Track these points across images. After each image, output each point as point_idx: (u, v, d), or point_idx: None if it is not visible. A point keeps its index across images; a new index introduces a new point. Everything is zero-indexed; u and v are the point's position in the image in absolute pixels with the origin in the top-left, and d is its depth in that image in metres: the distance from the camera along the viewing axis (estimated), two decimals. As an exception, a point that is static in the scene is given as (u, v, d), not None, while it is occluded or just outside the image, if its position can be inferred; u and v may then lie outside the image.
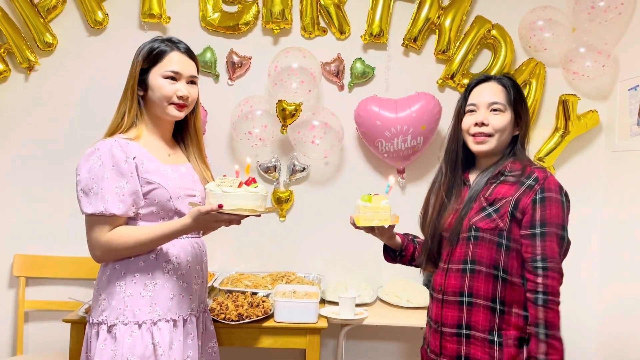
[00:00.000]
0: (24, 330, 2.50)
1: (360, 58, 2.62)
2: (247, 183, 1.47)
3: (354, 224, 1.62)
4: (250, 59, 2.62)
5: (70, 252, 2.54)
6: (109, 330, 1.51)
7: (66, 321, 2.03)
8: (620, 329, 2.42)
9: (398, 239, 1.72)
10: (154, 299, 1.55)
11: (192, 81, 1.63)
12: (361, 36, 2.60)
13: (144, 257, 1.55)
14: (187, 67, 1.61)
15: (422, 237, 1.72)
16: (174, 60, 1.58)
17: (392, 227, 1.64)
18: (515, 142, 1.58)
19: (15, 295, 2.55)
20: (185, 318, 1.61)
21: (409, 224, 1.77)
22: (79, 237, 2.49)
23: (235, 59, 2.60)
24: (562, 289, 2.51)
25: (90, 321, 1.57)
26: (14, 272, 2.54)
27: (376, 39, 2.59)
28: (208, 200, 1.46)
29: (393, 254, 1.76)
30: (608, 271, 2.54)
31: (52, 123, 2.59)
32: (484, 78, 1.61)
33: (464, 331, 1.48)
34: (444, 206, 1.61)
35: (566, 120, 2.51)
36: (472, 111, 1.58)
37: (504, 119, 1.54)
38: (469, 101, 1.59)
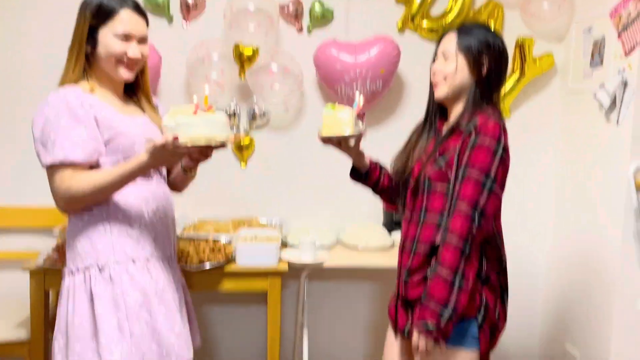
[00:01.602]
0: (-19, 281, 2.49)
1: (319, 0, 2.56)
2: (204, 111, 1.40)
3: (320, 138, 1.62)
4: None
5: (28, 202, 2.50)
6: (101, 272, 1.49)
7: (25, 269, 2.02)
8: (569, 254, 2.56)
9: (366, 161, 1.72)
10: (140, 238, 1.54)
11: (142, 40, 1.57)
12: (320, -24, 2.54)
13: (122, 200, 1.53)
14: (138, 26, 1.55)
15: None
16: (125, 20, 1.52)
17: (357, 143, 1.64)
18: (480, 88, 1.55)
19: (-28, 247, 2.52)
20: (168, 258, 1.64)
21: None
22: (35, 187, 2.46)
23: (190, 0, 2.51)
24: (516, 221, 2.66)
25: (73, 270, 1.53)
26: (-31, 224, 2.50)
27: (335, -21, 2.52)
28: (164, 134, 1.39)
29: (358, 174, 1.76)
30: (561, 205, 2.65)
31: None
32: (450, 29, 1.61)
33: (410, 277, 1.54)
34: (412, 155, 1.65)
35: (522, 63, 2.53)
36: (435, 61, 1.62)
37: (451, 64, 1.55)
38: None
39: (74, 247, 1.54)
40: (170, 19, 2.51)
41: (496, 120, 1.48)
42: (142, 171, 1.47)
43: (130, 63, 1.55)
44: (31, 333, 2.05)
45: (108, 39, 1.52)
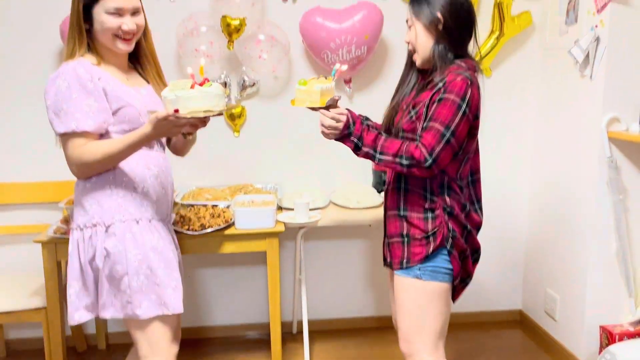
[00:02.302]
0: (-6, 254, 2.62)
1: (302, -32, 2.61)
2: (201, 84, 1.50)
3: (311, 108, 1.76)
4: (190, -27, 2.57)
5: (33, 178, 2.61)
6: (107, 230, 1.62)
7: (37, 242, 2.14)
8: (548, 202, 2.72)
9: None
10: (143, 201, 1.67)
11: (135, 12, 1.65)
12: (301, -56, 2.58)
13: (127, 166, 1.64)
14: (128, 0, 1.62)
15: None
16: None
17: (334, 107, 1.74)
18: (442, 42, 1.62)
19: (-18, 223, 2.63)
20: (165, 220, 1.78)
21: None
22: (41, 162, 2.59)
23: (175, -27, 2.55)
24: (497, 172, 2.79)
25: (79, 227, 1.65)
26: (-23, 201, 2.60)
27: (316, -54, 2.57)
28: (165, 106, 1.51)
29: None
30: (540, 156, 2.78)
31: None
32: None
33: (390, 212, 1.75)
34: (394, 108, 1.77)
35: (501, 22, 2.62)
36: None
37: (412, 33, 1.66)
38: None
39: (82, 206, 1.66)
40: (157, -7, 2.57)
41: (464, 78, 1.56)
42: (146, 141, 1.59)
43: (126, 35, 1.64)
44: (47, 300, 2.19)
45: (102, 16, 1.60)
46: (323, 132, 1.68)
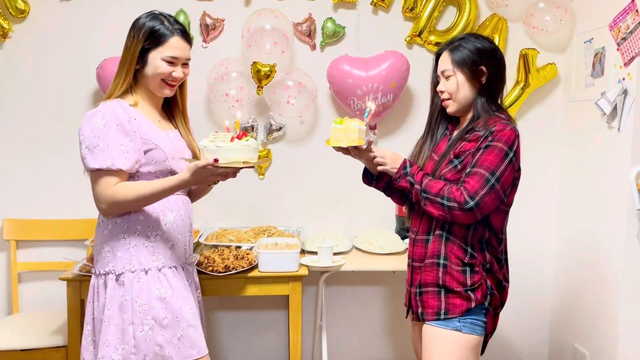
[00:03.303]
0: (18, 290, 2.62)
1: (331, 18, 2.69)
2: (239, 137, 1.57)
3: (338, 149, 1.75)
4: (223, 21, 2.66)
5: (59, 215, 2.65)
6: (117, 279, 1.65)
7: (62, 279, 2.14)
8: (575, 256, 2.66)
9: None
10: (155, 249, 1.69)
11: (186, 62, 1.73)
12: (331, -5, 2.67)
13: (142, 214, 1.68)
14: (184, 51, 1.70)
15: None
16: (174, 46, 1.67)
17: (367, 149, 1.73)
18: (484, 95, 1.67)
19: (7, 258, 2.65)
20: (182, 266, 1.78)
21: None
22: (66, 200, 2.63)
23: (209, 21, 2.65)
24: (522, 225, 2.76)
25: (97, 273, 1.70)
26: (4, 236, 2.63)
27: (345, -2, 2.66)
28: (203, 155, 1.57)
29: (370, 177, 1.85)
30: (566, 209, 2.75)
31: (31, 88, 2.63)
32: (443, 48, 1.73)
33: (427, 260, 1.70)
34: (422, 156, 1.79)
35: (526, 73, 2.65)
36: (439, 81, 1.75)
37: (453, 82, 1.68)
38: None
39: (98, 253, 1.71)
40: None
41: (512, 128, 1.62)
42: (182, 187, 1.64)
43: (173, 82, 1.71)
44: (68, 338, 2.17)
45: (157, 61, 1.67)
46: (379, 162, 1.71)
